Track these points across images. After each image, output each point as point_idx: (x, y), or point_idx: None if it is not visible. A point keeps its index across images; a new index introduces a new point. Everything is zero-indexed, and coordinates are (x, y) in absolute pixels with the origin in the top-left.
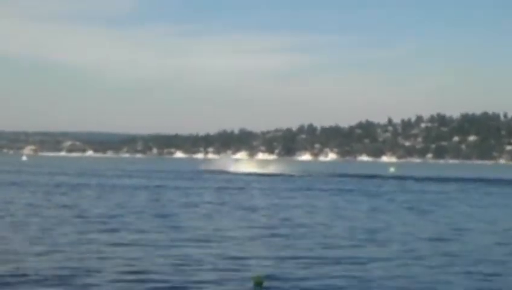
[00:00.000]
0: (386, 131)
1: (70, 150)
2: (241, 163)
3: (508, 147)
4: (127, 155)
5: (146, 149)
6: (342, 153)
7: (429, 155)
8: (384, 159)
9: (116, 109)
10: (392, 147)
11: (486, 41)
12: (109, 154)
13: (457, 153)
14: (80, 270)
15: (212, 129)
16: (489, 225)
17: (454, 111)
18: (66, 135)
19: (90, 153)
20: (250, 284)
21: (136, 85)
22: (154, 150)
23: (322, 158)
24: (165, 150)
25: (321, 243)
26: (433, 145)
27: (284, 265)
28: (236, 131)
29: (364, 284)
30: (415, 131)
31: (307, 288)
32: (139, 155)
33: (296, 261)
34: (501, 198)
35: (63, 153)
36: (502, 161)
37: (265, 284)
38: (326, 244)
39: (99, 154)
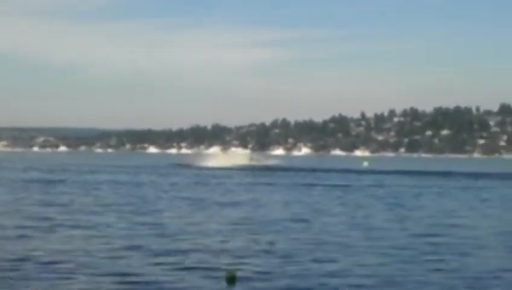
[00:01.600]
0: (359, 125)
1: (43, 145)
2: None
3: (481, 141)
4: (100, 150)
5: (119, 144)
6: (316, 148)
7: (402, 149)
8: (358, 153)
9: (90, 104)
10: (366, 141)
11: (458, 37)
12: (82, 149)
13: (430, 147)
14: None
15: (186, 124)
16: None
17: (427, 105)
18: (39, 131)
19: (63, 148)
20: (223, 281)
21: (110, 81)
22: (128, 146)
23: (295, 153)
24: (138, 146)
25: (306, 238)
26: (406, 140)
27: (258, 261)
28: (209, 126)
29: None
30: (388, 125)
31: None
32: (110, 150)
33: (277, 258)
34: (476, 191)
35: (35, 149)
36: (476, 155)
37: (238, 281)
38: (314, 239)
39: (71, 150)
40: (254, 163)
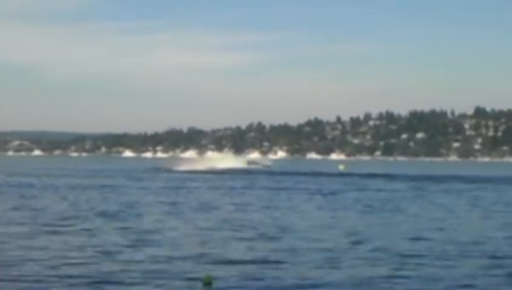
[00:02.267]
0: (335, 129)
1: (17, 149)
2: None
3: (456, 144)
4: (75, 154)
5: (94, 148)
6: (291, 151)
7: (378, 152)
8: (333, 156)
9: (65, 107)
10: (341, 144)
11: (433, 40)
12: (57, 153)
13: (405, 150)
14: None
15: (161, 128)
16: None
17: (402, 109)
18: (14, 135)
19: (37, 152)
20: (200, 285)
21: (85, 83)
22: (103, 149)
23: (271, 156)
24: (114, 149)
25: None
26: (382, 143)
27: (234, 267)
28: (185, 130)
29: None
30: (363, 129)
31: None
32: (85, 154)
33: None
34: (455, 195)
35: (10, 153)
36: (453, 158)
37: (215, 284)
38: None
39: (46, 154)
40: (253, 166)
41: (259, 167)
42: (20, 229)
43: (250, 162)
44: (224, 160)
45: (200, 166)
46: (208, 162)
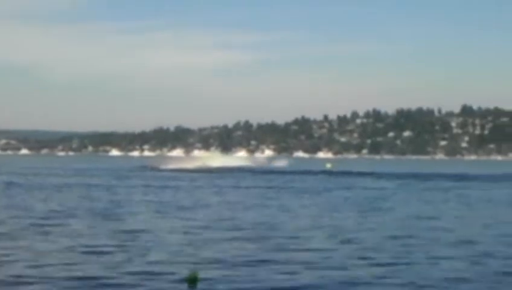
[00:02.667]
0: (322, 127)
1: (4, 148)
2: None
3: (442, 142)
4: (62, 153)
5: (81, 147)
6: (278, 150)
7: (365, 151)
8: (321, 155)
9: (53, 106)
10: (328, 143)
11: (420, 39)
12: (44, 152)
13: (392, 149)
14: None
15: (148, 126)
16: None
17: (389, 107)
18: (0, 134)
19: (24, 151)
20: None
21: (72, 83)
22: (90, 148)
23: (258, 155)
24: (101, 148)
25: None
26: (369, 141)
27: (220, 266)
28: (172, 128)
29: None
30: (350, 127)
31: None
32: (72, 153)
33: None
34: (442, 193)
35: None
36: (440, 156)
37: (200, 283)
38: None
39: (33, 153)
40: (256, 165)
41: (271, 166)
42: (4, 229)
43: (258, 162)
44: (230, 159)
45: (210, 163)
46: (211, 161)
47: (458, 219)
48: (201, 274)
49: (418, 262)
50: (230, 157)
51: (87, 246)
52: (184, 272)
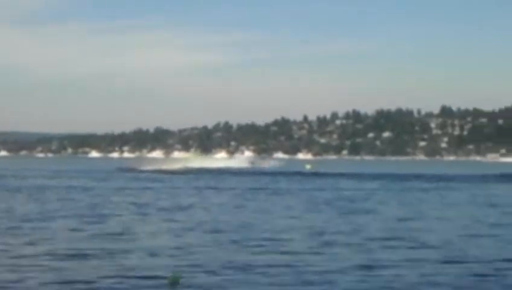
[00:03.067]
0: (302, 128)
1: None
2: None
3: (422, 143)
4: (41, 155)
5: (61, 148)
6: (258, 151)
7: (344, 152)
8: (300, 156)
9: (31, 108)
10: (308, 144)
11: (399, 40)
12: (23, 154)
13: (372, 150)
14: None
15: (128, 128)
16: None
17: (369, 108)
18: None
19: (3, 153)
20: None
21: (51, 84)
22: (69, 150)
23: (238, 156)
24: (80, 150)
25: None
26: (349, 142)
27: (201, 269)
28: (151, 129)
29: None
30: (330, 128)
31: None
32: (51, 155)
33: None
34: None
35: None
36: (420, 157)
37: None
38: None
39: (12, 155)
40: (254, 166)
41: (265, 166)
42: None
43: (251, 162)
44: (227, 160)
45: (205, 164)
46: (206, 162)
47: (437, 220)
48: (183, 276)
49: (393, 266)
50: (235, 158)
51: (67, 249)
52: (166, 274)
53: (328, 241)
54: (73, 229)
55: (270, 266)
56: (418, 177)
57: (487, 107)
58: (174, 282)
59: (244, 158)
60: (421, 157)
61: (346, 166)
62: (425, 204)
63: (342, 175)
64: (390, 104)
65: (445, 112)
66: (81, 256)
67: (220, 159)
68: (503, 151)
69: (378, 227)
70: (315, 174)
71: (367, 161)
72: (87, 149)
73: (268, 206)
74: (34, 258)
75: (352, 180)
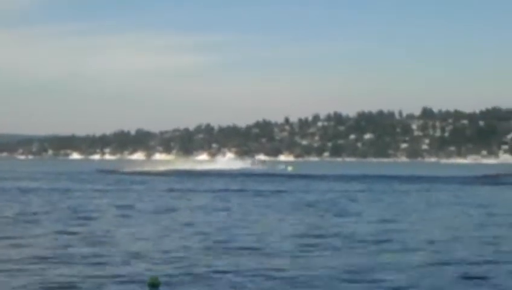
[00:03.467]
0: (283, 130)
1: None
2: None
3: (403, 145)
4: (22, 157)
5: (41, 150)
6: (240, 153)
7: (326, 154)
8: (282, 158)
9: (12, 109)
10: (289, 146)
11: (380, 41)
12: (3, 156)
13: (354, 151)
14: None
15: (109, 130)
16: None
17: (350, 110)
18: None
19: None
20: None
21: (32, 85)
22: (50, 152)
23: (219, 158)
24: (61, 152)
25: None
26: (330, 144)
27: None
28: (133, 131)
29: None
30: (312, 130)
31: None
32: (32, 157)
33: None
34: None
35: None
36: (402, 159)
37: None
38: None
39: None
40: (255, 167)
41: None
42: None
43: (254, 163)
44: (227, 161)
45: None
46: (205, 164)
47: (422, 222)
48: (162, 279)
49: (374, 269)
50: (244, 161)
51: (47, 252)
52: (145, 278)
53: (311, 244)
54: (55, 232)
55: (243, 270)
56: (400, 178)
57: (468, 108)
58: (154, 286)
59: (253, 161)
60: (403, 159)
61: (328, 168)
62: (408, 205)
63: (324, 177)
64: (372, 106)
65: (427, 113)
66: (62, 259)
67: (224, 162)
68: (484, 152)
69: (362, 229)
70: (296, 177)
71: (349, 163)
72: (68, 151)
73: (251, 209)
74: (15, 262)
75: (334, 182)
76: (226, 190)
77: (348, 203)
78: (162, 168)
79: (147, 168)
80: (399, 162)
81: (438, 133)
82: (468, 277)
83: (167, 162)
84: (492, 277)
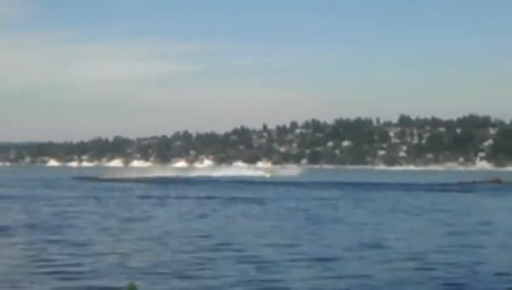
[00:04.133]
0: (262, 137)
1: None
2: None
3: (381, 152)
4: None
5: (19, 158)
6: (218, 160)
7: (304, 160)
8: (260, 165)
9: None
10: (267, 153)
11: (358, 49)
12: None
13: (332, 158)
14: None
15: (87, 137)
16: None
17: (328, 117)
18: None
19: None
20: None
21: (9, 93)
22: (27, 159)
23: (197, 165)
24: (38, 159)
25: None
26: (308, 151)
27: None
28: (111, 138)
29: None
30: (290, 137)
31: None
32: (8, 164)
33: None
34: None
35: None
36: (380, 166)
37: None
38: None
39: None
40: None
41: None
42: None
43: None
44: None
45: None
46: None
47: (401, 228)
48: (141, 285)
49: (354, 275)
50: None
51: (26, 261)
52: (123, 285)
53: (294, 253)
54: (33, 241)
55: (224, 276)
56: (378, 185)
57: (445, 116)
58: (131, 288)
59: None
60: (381, 166)
61: (305, 175)
62: (387, 212)
63: (301, 184)
64: (350, 113)
65: (404, 121)
66: (41, 267)
67: (235, 168)
68: (461, 160)
69: (344, 236)
70: (275, 183)
71: (326, 170)
72: (45, 158)
73: (231, 216)
74: None
75: (313, 190)
76: (201, 197)
77: (328, 210)
78: (160, 174)
79: (146, 174)
80: (376, 169)
81: (415, 141)
82: (451, 284)
83: (160, 169)
84: (470, 285)
